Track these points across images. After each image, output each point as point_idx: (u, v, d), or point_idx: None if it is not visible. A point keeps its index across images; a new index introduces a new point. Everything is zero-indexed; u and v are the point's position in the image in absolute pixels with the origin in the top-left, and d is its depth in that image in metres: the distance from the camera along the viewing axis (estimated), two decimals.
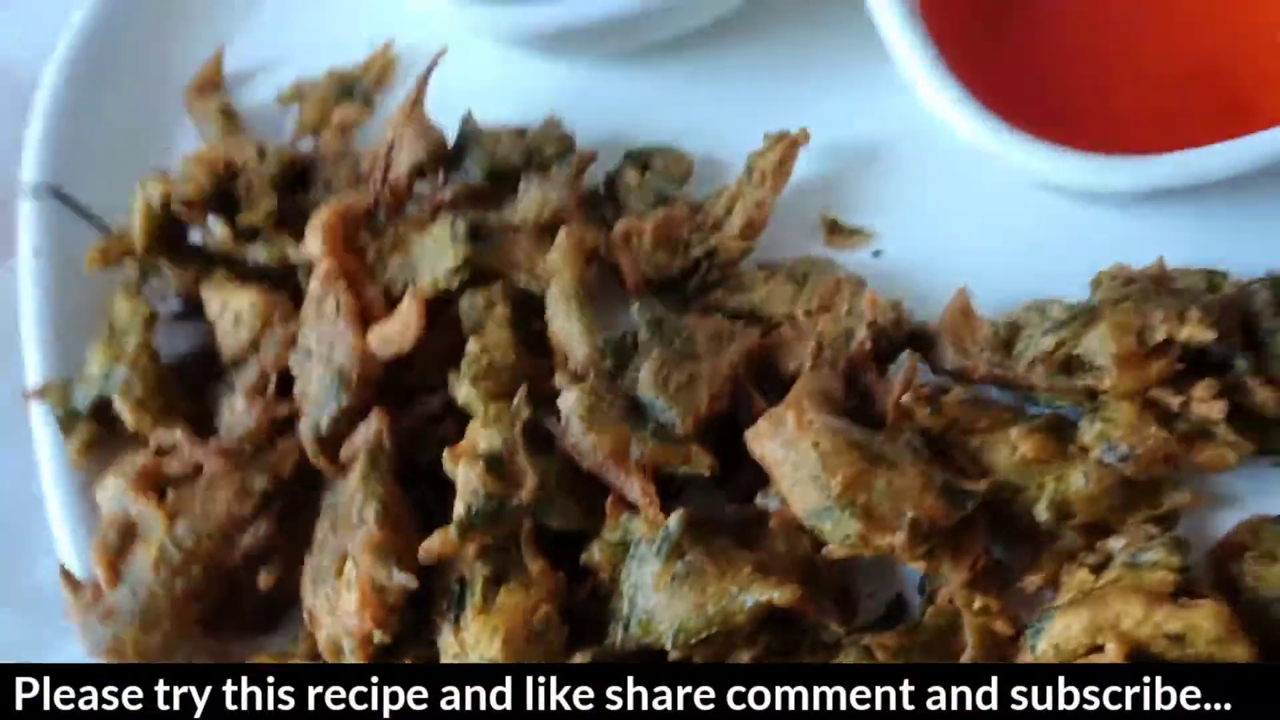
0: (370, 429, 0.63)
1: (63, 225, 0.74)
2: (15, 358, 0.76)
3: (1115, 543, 0.59)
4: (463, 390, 0.62)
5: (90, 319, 0.72)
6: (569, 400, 0.60)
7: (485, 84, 0.75)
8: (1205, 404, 0.57)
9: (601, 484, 0.60)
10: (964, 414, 0.60)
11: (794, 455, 0.58)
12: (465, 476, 0.59)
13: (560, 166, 0.71)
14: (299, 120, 0.77)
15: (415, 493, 0.63)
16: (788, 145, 0.69)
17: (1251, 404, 0.58)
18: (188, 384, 0.68)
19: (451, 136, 0.72)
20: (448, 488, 0.63)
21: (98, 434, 0.67)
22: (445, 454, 0.60)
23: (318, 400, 0.63)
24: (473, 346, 0.63)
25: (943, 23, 0.67)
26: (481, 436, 0.60)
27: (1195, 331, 0.56)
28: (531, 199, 0.69)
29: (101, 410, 0.67)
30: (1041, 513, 0.58)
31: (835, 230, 0.71)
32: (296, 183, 0.72)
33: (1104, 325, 0.58)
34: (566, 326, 0.63)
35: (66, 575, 0.64)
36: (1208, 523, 0.62)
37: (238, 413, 0.65)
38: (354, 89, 0.77)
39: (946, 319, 0.64)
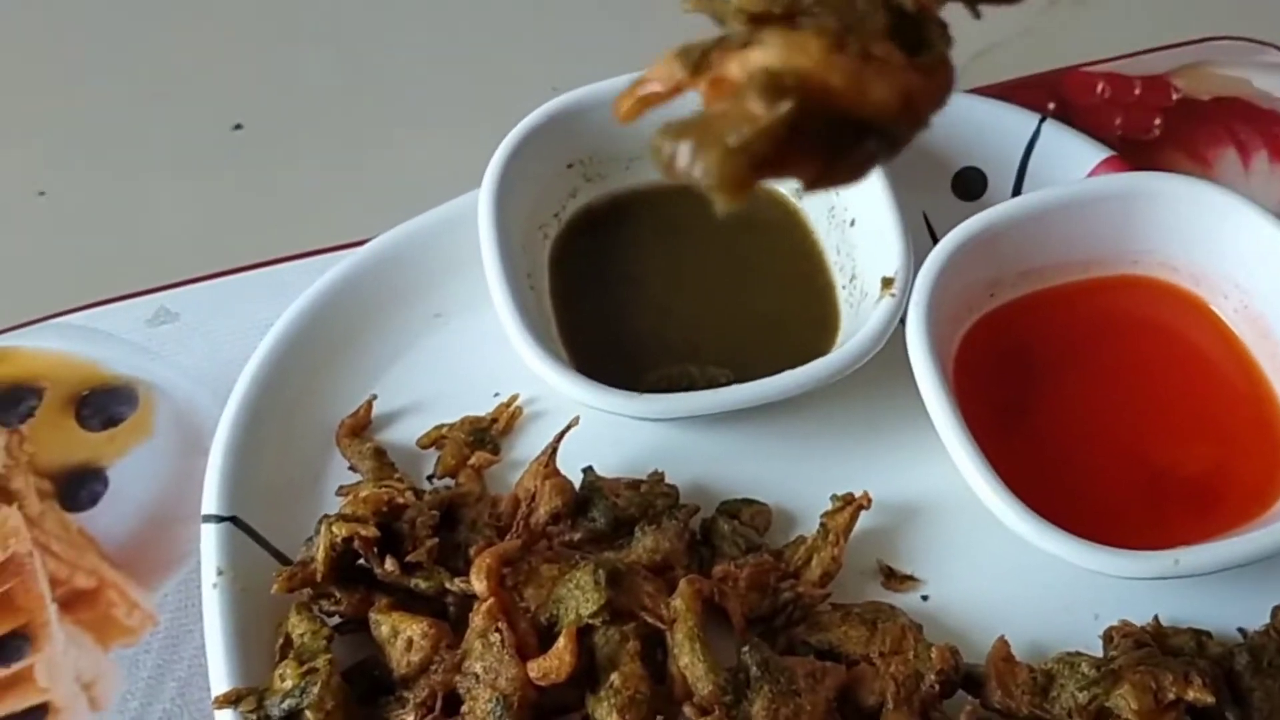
0: None
1: (237, 549, 0.87)
2: (176, 663, 0.89)
3: None
4: (610, 717, 0.76)
5: (262, 632, 0.85)
6: None
7: (595, 436, 0.91)
8: None
9: None
10: None
11: None
12: None
13: (668, 517, 0.86)
14: (440, 462, 0.91)
15: None
16: (855, 509, 0.86)
17: None
18: (353, 695, 0.81)
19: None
20: None
21: None
22: None
23: (483, 719, 0.77)
24: (617, 680, 0.77)
25: (972, 411, 0.85)
26: None
27: (1199, 694, 0.73)
28: (645, 545, 0.85)
29: (291, 718, 0.79)
30: None
31: (890, 576, 0.87)
32: (445, 520, 0.86)
33: (1127, 685, 0.74)
34: (692, 665, 0.77)
35: None
36: None
37: None
38: (484, 436, 0.93)
39: (992, 664, 0.79)
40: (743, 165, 0.41)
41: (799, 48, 0.42)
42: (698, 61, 0.43)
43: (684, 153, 0.41)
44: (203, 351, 0.99)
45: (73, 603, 0.91)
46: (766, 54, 0.42)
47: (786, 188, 0.98)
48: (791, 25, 0.42)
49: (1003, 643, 0.80)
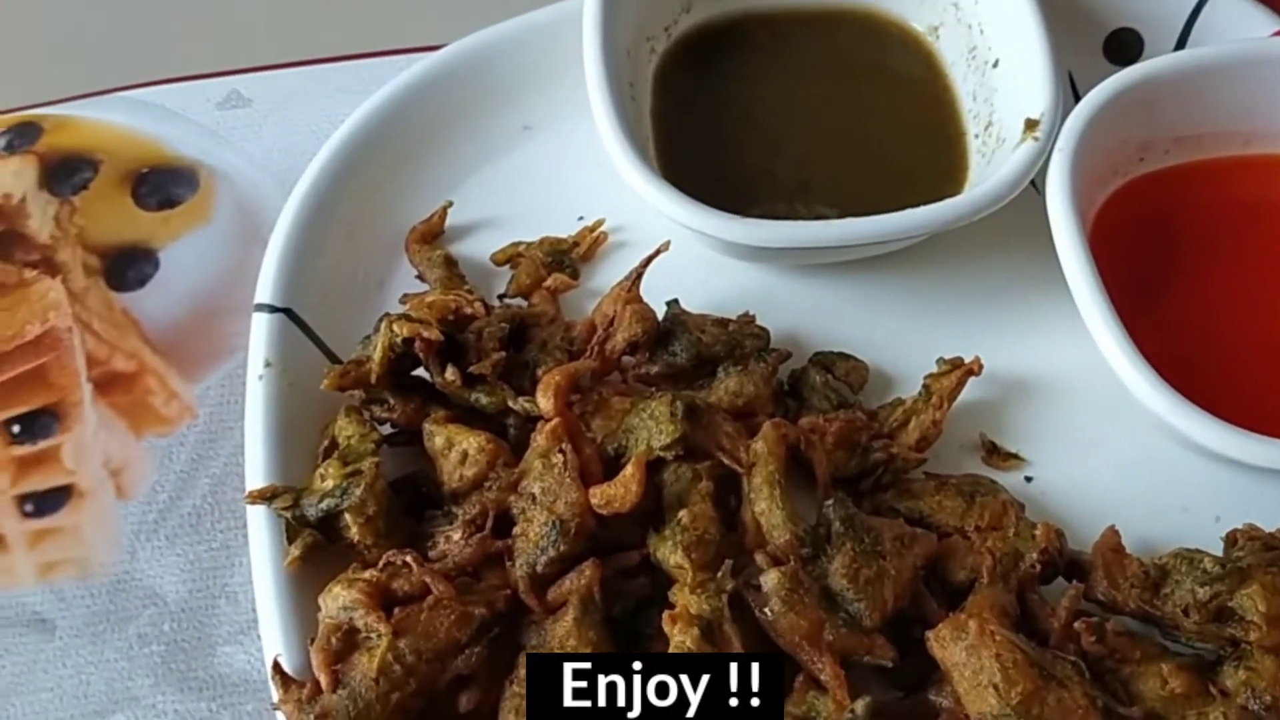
0: (584, 577, 0.69)
1: (288, 343, 0.81)
2: (211, 459, 0.83)
3: None
4: (673, 556, 0.69)
5: (306, 432, 0.78)
6: (771, 581, 0.67)
7: (684, 272, 0.83)
8: None
9: (787, 659, 0.67)
10: (1121, 645, 0.67)
11: (975, 662, 0.65)
12: (680, 638, 0.66)
13: (756, 360, 0.78)
14: (514, 280, 0.84)
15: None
16: (963, 373, 0.78)
17: None
18: (399, 506, 0.75)
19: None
20: (634, 640, 0.70)
21: (317, 543, 0.73)
22: (664, 616, 0.66)
23: (537, 543, 0.70)
24: (685, 517, 0.70)
25: (1111, 280, 0.76)
26: (691, 602, 0.67)
27: None
28: (728, 386, 0.77)
29: (326, 521, 0.73)
30: None
31: (993, 451, 0.79)
32: (514, 338, 0.79)
33: (1255, 585, 0.66)
34: (769, 511, 0.70)
35: (280, 671, 0.69)
36: None
37: (454, 542, 0.72)
38: (564, 259, 0.85)
39: (1099, 553, 0.71)
40: None
41: None
42: None
43: None
44: (273, 140, 0.92)
45: (108, 385, 0.85)
46: None
47: (923, 24, 0.89)
48: None
49: (1112, 532, 0.72)
